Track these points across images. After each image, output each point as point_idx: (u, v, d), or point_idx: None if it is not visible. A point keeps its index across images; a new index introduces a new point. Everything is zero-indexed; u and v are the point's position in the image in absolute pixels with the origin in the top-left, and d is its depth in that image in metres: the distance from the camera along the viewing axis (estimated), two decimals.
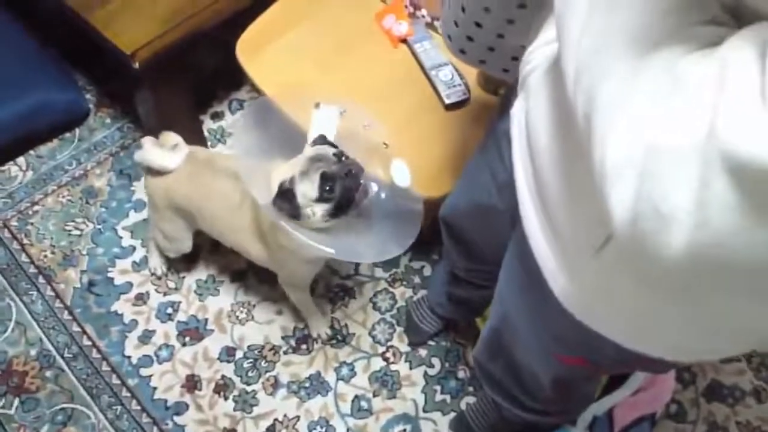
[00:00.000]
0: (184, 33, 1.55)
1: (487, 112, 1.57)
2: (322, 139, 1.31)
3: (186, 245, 1.60)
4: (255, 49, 1.64)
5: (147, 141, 1.46)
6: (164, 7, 1.56)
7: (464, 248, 1.31)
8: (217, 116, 1.97)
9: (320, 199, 1.21)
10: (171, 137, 1.48)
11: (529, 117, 0.80)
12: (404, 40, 1.65)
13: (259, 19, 1.67)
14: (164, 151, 1.46)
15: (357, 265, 1.75)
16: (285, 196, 1.21)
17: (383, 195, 1.38)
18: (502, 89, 1.56)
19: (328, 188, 1.20)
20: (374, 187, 1.34)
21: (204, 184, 1.44)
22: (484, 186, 1.07)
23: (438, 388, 1.60)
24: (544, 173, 0.76)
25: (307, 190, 1.21)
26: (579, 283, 0.76)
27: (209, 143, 1.91)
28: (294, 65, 1.62)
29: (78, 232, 1.78)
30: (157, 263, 1.71)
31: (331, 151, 1.26)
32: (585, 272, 0.74)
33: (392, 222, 1.35)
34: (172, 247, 1.61)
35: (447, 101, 1.56)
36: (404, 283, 1.74)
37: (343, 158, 1.24)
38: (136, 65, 1.52)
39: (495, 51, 1.01)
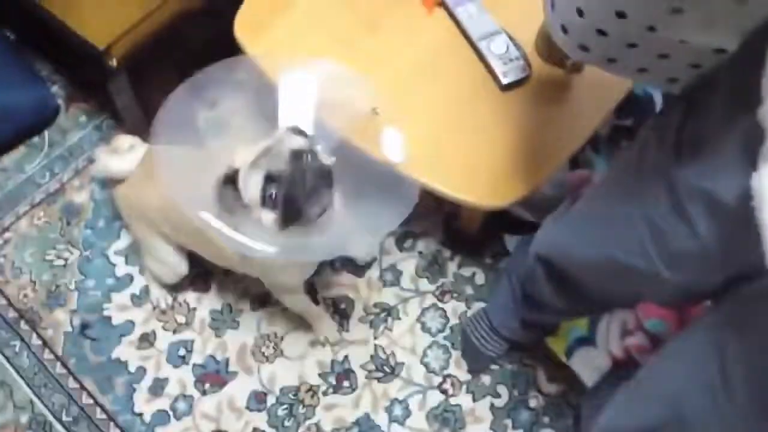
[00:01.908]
0: (169, 16, 1.23)
1: (553, 90, 1.28)
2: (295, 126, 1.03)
3: (181, 267, 1.34)
4: (258, 27, 1.31)
5: (99, 151, 1.33)
6: None
7: (568, 290, 1.05)
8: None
9: (264, 204, 0.97)
10: (124, 139, 1.29)
11: None
12: (441, 3, 1.33)
13: None
14: (121, 155, 1.27)
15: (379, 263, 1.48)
16: (227, 188, 0.97)
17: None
18: (568, 59, 1.26)
19: (270, 194, 0.95)
20: (337, 201, 1.04)
21: (153, 184, 1.18)
22: (635, 244, 0.82)
23: (509, 422, 1.36)
24: None
25: (250, 188, 0.97)
26: None
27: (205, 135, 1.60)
28: (307, 43, 1.31)
29: (62, 262, 1.48)
30: (160, 293, 1.44)
31: (294, 144, 0.98)
32: None
33: (375, 203, 1.08)
34: (165, 271, 1.36)
35: (504, 80, 1.25)
36: (455, 295, 1.47)
37: (305, 156, 0.96)
38: (113, 62, 1.20)
39: (638, 47, 0.72)
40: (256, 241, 0.98)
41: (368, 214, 1.10)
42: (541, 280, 1.10)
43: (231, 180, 0.98)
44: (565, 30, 0.76)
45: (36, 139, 1.61)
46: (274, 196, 0.96)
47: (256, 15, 1.32)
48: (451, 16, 1.32)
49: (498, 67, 1.26)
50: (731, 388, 0.69)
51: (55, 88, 1.67)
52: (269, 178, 0.96)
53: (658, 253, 0.79)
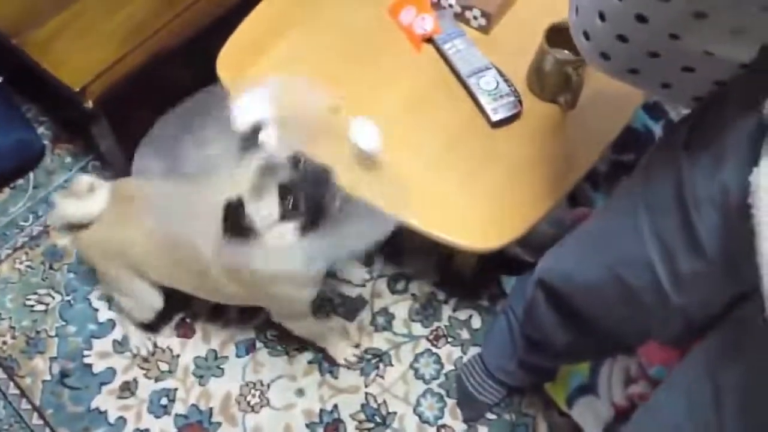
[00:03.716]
0: (147, 55, 1.19)
1: (546, 126, 1.23)
2: (248, 133, 1.00)
3: (157, 301, 1.29)
4: (241, 66, 1.28)
5: (57, 196, 1.24)
6: (118, 25, 1.20)
7: (571, 320, 1.00)
8: None
9: (284, 218, 0.96)
10: (82, 182, 1.21)
11: None
12: (429, 40, 1.30)
13: (241, 27, 1.31)
14: (81, 199, 1.19)
15: (371, 286, 1.43)
16: (234, 216, 0.94)
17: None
18: (563, 95, 1.22)
19: (290, 203, 0.95)
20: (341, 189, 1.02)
21: (137, 223, 1.15)
22: (638, 264, 0.78)
23: None
24: None
25: (264, 211, 0.95)
26: None
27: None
28: None
29: (42, 308, 1.44)
30: (139, 341, 1.38)
31: (284, 154, 0.99)
32: None
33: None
34: (140, 306, 1.30)
35: (494, 117, 1.21)
36: (450, 340, 1.41)
37: (299, 160, 0.98)
38: (89, 104, 1.17)
39: (660, 57, 0.68)
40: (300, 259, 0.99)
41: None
42: (543, 309, 1.04)
43: (238, 209, 0.95)
44: (587, 36, 0.73)
45: (21, 180, 1.58)
46: (293, 204, 0.95)
47: (240, 54, 1.29)
48: (440, 52, 1.28)
49: (488, 104, 1.21)
50: (722, 417, 0.66)
51: (41, 129, 1.64)
52: (284, 190, 0.95)
53: (667, 276, 0.75)
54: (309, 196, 0.96)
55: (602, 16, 0.68)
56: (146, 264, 1.20)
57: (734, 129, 0.64)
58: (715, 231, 0.67)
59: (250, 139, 1.00)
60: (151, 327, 1.39)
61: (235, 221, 0.95)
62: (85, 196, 1.18)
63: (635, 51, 0.69)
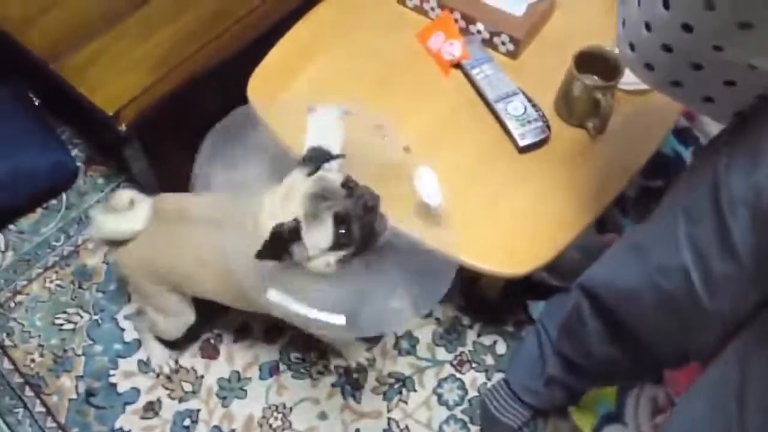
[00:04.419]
0: (179, 81, 1.21)
1: (574, 151, 1.22)
2: (316, 153, 1.00)
3: (190, 316, 1.28)
4: (270, 90, 1.29)
5: (95, 211, 1.26)
6: (149, 52, 1.22)
7: (613, 331, 1.00)
8: None
9: (336, 247, 0.94)
10: (122, 196, 1.20)
11: None
12: (458, 65, 1.30)
13: (272, 52, 1.33)
14: (121, 214, 1.18)
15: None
16: (279, 244, 0.92)
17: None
18: (591, 120, 1.21)
19: (343, 232, 0.93)
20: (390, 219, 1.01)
21: (180, 241, 1.14)
22: (673, 270, 0.80)
23: None
24: None
25: (318, 239, 0.94)
26: None
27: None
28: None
29: (71, 326, 1.45)
30: (161, 359, 1.39)
31: (337, 179, 0.97)
32: None
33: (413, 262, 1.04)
34: (174, 323, 1.29)
35: (521, 143, 1.21)
36: (474, 365, 1.39)
37: (353, 187, 0.97)
38: (122, 127, 1.19)
39: (704, 70, 0.69)
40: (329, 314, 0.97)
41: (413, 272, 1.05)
42: (586, 316, 1.04)
43: (292, 233, 0.93)
44: (632, 47, 0.74)
45: (53, 201, 1.62)
46: (347, 233, 0.94)
47: (270, 77, 1.31)
48: (468, 77, 1.29)
49: (515, 129, 1.21)
50: (744, 412, 0.66)
51: (75, 151, 1.68)
52: (338, 219, 0.94)
53: (701, 281, 0.76)
54: (362, 224, 0.95)
55: (648, 27, 0.69)
56: (189, 279, 1.19)
57: None
58: (747, 232, 0.68)
59: (312, 162, 0.99)
60: (174, 345, 1.39)
61: (282, 245, 0.93)
62: (125, 211, 1.18)
63: (679, 62, 0.69)
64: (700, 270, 0.76)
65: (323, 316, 0.97)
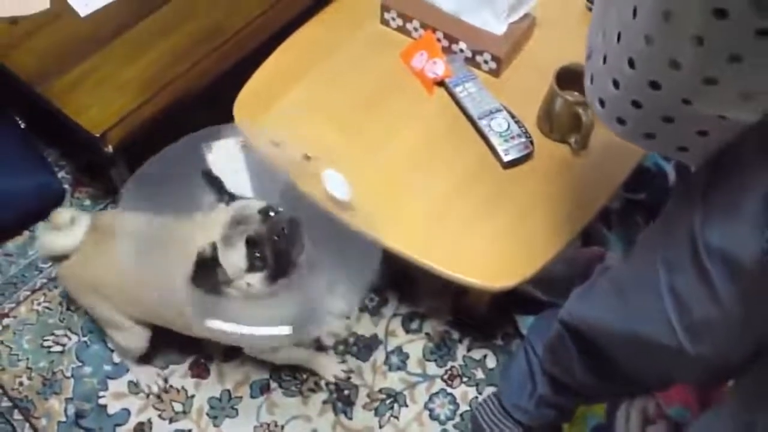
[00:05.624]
0: (165, 102, 1.22)
1: (558, 166, 1.24)
2: (212, 182, 1.07)
3: (144, 332, 1.29)
4: (256, 111, 1.31)
5: (40, 229, 1.28)
6: (135, 74, 1.24)
7: (595, 364, 1.00)
8: None
9: (251, 269, 1.01)
10: (63, 214, 1.24)
11: None
12: (441, 83, 1.32)
13: (258, 73, 1.35)
14: (63, 231, 1.23)
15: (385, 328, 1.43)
16: (206, 268, 0.99)
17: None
18: (574, 135, 1.24)
19: (257, 255, 1.00)
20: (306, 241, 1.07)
21: (110, 256, 1.14)
22: (655, 319, 0.79)
23: None
24: None
25: (234, 261, 1.00)
26: None
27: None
28: (306, 127, 1.29)
29: (59, 348, 1.45)
30: (148, 378, 1.39)
31: (255, 206, 1.04)
32: None
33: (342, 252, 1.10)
34: (131, 337, 1.30)
35: (505, 158, 1.23)
36: (465, 379, 1.40)
37: (271, 213, 1.03)
38: (109, 148, 1.20)
39: (674, 123, 0.69)
40: (266, 326, 1.02)
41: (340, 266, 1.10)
42: (571, 350, 1.05)
43: (212, 260, 1.00)
44: (602, 103, 0.75)
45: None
46: (261, 256, 1.00)
47: (256, 99, 1.33)
48: (452, 95, 1.31)
49: (499, 145, 1.24)
50: None
51: (62, 173, 1.68)
52: (250, 243, 0.99)
53: (682, 327, 0.76)
54: (275, 248, 1.00)
55: (616, 84, 0.70)
56: (117, 297, 1.22)
57: (748, 190, 0.65)
58: (729, 283, 0.68)
59: (215, 185, 1.06)
60: (163, 362, 1.40)
61: (208, 270, 0.99)
62: (65, 229, 1.22)
63: (650, 116, 0.70)
64: (681, 317, 0.76)
65: (267, 331, 1.02)
